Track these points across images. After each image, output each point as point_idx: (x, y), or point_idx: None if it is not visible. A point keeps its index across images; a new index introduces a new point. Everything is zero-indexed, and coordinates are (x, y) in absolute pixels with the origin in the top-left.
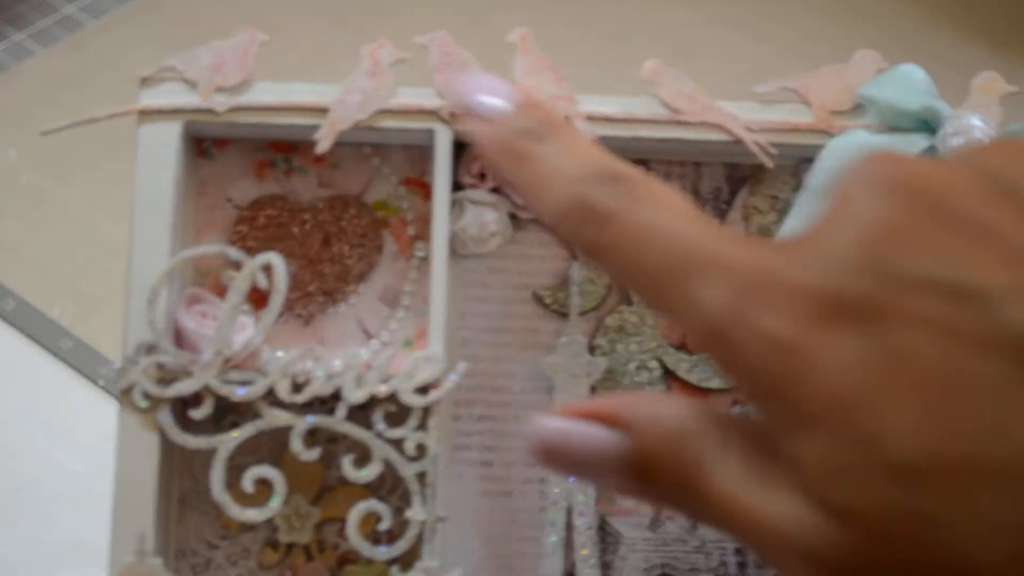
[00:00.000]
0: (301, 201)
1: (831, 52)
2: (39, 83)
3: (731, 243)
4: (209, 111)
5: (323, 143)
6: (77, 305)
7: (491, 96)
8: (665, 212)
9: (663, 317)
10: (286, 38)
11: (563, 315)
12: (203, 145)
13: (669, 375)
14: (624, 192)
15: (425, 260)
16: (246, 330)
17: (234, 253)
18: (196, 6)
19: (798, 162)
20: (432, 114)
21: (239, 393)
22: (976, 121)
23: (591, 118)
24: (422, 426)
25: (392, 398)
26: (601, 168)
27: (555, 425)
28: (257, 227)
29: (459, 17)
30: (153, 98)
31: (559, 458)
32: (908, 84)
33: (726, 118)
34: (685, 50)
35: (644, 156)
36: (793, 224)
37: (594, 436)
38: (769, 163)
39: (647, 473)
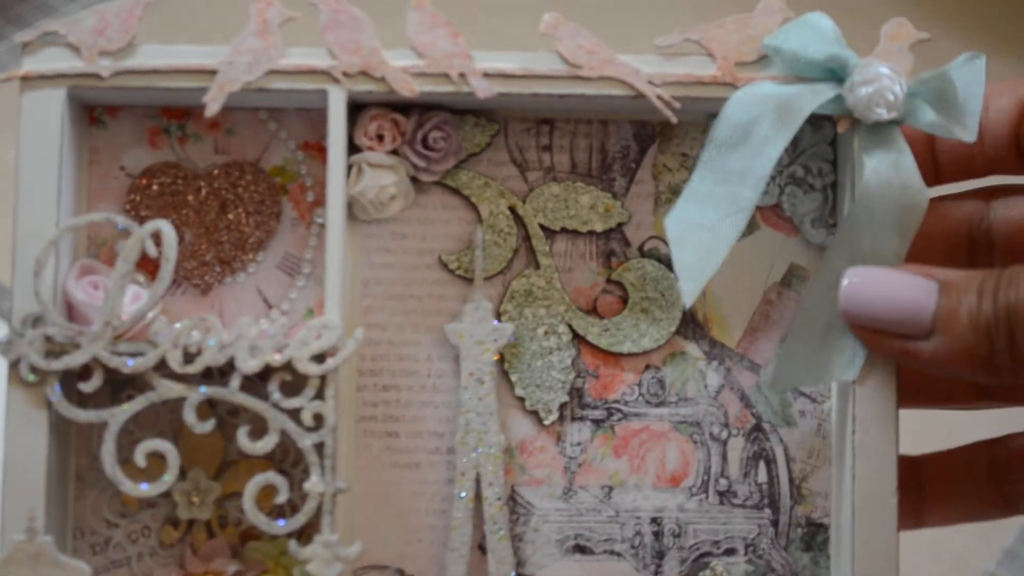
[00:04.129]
0: (196, 168)
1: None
2: None
3: None
4: (94, 75)
5: (212, 106)
6: None
7: None
8: None
9: None
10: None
11: (469, 280)
12: (95, 113)
13: (579, 339)
14: None
15: (324, 227)
16: (140, 300)
17: (121, 221)
18: (196, 7)
19: (708, 118)
20: (324, 74)
21: (129, 365)
22: (884, 69)
23: (488, 75)
24: (319, 395)
25: (288, 367)
26: None
27: None
28: (151, 195)
29: None
30: (35, 64)
31: None
32: (815, 33)
33: (626, 72)
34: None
35: (549, 115)
36: (699, 180)
37: None
38: (673, 118)
39: None
